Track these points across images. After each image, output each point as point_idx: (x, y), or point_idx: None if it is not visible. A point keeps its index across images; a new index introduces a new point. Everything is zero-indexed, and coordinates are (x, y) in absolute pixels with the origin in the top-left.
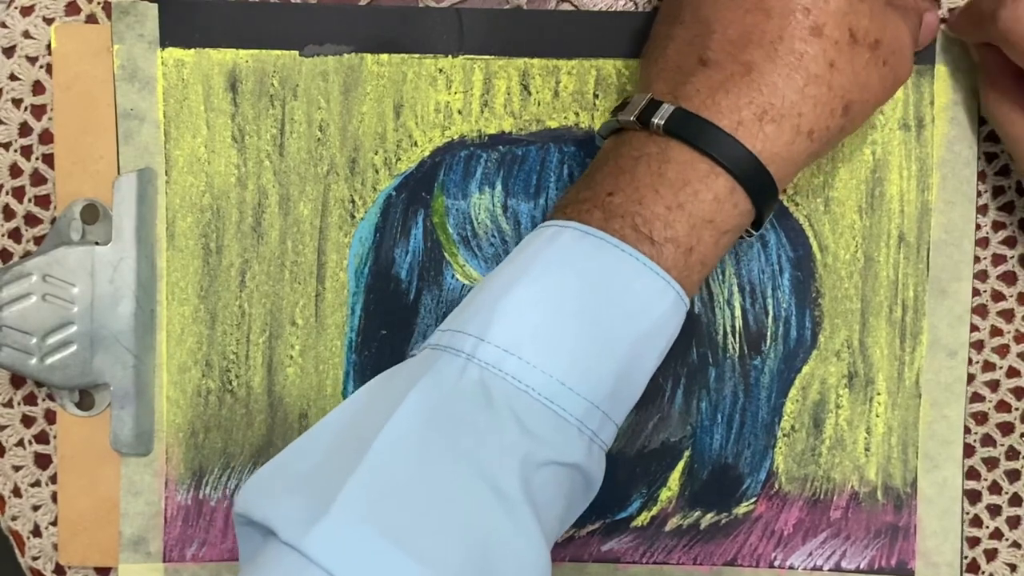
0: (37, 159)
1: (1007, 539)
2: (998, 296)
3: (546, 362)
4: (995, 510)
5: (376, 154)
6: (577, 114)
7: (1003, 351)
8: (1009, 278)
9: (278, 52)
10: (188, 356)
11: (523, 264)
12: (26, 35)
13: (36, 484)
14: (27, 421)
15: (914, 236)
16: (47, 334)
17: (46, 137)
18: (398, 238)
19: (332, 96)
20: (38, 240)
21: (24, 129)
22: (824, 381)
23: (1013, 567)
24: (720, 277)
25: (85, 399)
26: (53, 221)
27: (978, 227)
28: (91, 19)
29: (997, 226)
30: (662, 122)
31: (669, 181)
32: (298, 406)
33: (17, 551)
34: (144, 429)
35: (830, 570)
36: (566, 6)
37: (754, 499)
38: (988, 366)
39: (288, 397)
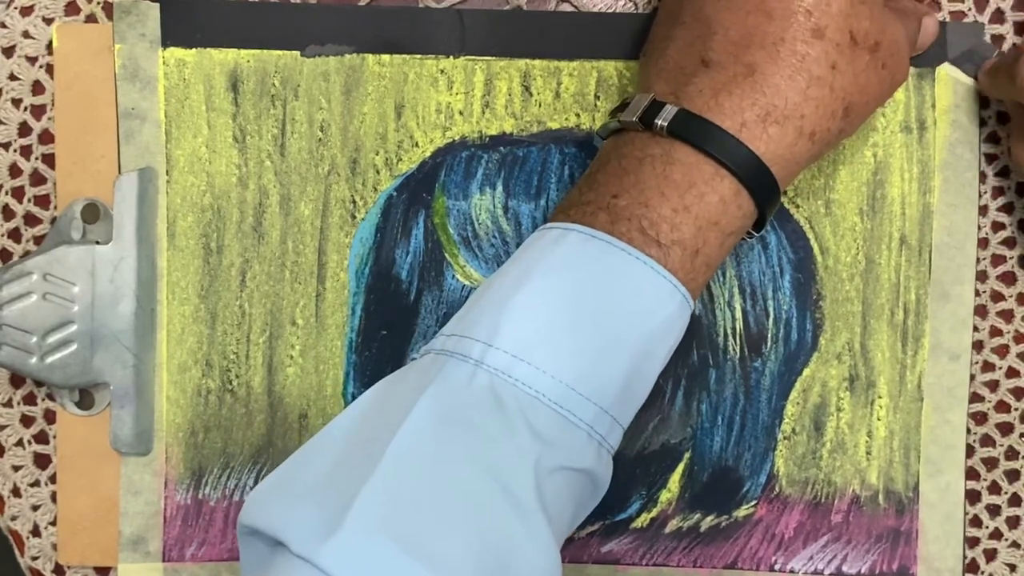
0: (37, 159)
1: (1007, 539)
2: (997, 297)
3: (556, 367)
4: (994, 510)
5: (377, 154)
6: (578, 115)
7: (1003, 351)
8: (1008, 279)
9: (279, 52)
10: (188, 356)
11: (527, 267)
12: (26, 35)
13: (35, 484)
14: (26, 421)
15: (916, 239)
16: (47, 333)
17: (46, 137)
18: (399, 238)
19: (333, 96)
20: (38, 240)
21: (24, 129)
22: (825, 384)
23: (1013, 567)
24: (721, 279)
25: (85, 398)
26: (53, 221)
27: (978, 228)
28: (91, 19)
29: (997, 227)
30: (665, 123)
31: (675, 183)
32: (298, 406)
33: (16, 551)
34: (144, 428)
35: (831, 574)
36: (566, 7)
37: (754, 502)
38: (988, 366)
39: (288, 397)
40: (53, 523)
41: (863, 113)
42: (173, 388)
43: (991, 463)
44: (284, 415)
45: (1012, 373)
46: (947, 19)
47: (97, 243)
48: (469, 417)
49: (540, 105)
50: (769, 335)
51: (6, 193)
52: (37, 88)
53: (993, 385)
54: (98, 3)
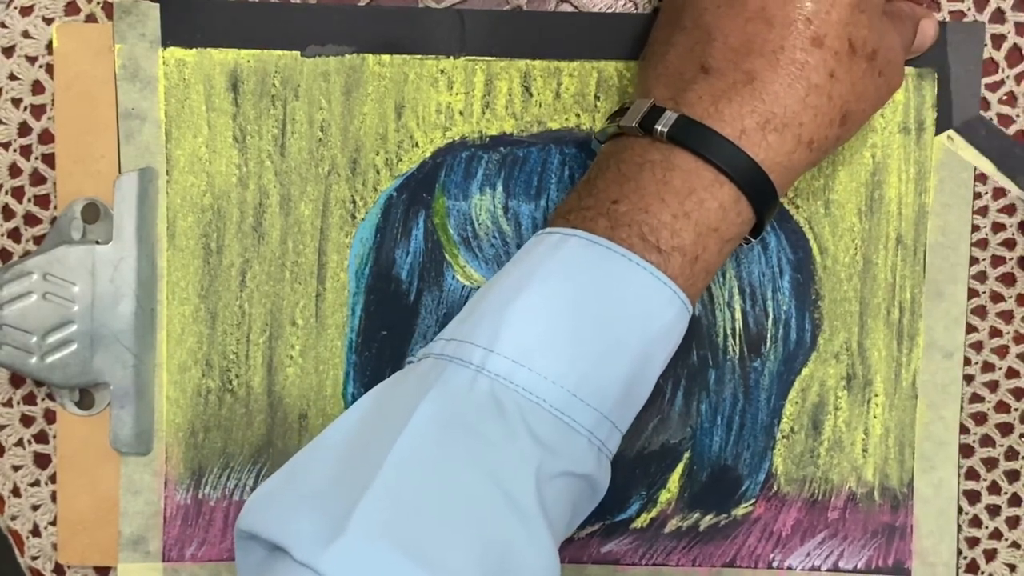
0: (37, 159)
1: (1006, 539)
2: (997, 297)
3: (556, 373)
4: (994, 510)
5: (377, 155)
6: (578, 116)
7: (1002, 352)
8: (1008, 279)
9: (280, 52)
10: (188, 356)
11: (527, 272)
12: (26, 35)
13: (35, 484)
14: (26, 421)
15: (911, 239)
16: (47, 333)
17: (46, 137)
18: (399, 239)
19: (333, 96)
20: (38, 240)
21: (24, 129)
22: (823, 383)
23: (1012, 567)
24: (720, 279)
25: (85, 398)
26: (53, 221)
27: (978, 228)
28: (91, 19)
29: (997, 228)
30: (665, 129)
31: (675, 189)
32: (298, 406)
33: (16, 551)
34: (144, 428)
35: (828, 570)
36: (566, 7)
37: (753, 500)
38: (987, 367)
39: (288, 397)
40: (53, 523)
41: (860, 121)
42: (173, 388)
43: (991, 463)
44: (284, 415)
45: (1012, 374)
46: (947, 19)
47: (97, 243)
48: (470, 423)
49: (540, 105)
50: (768, 335)
51: (6, 193)
52: (37, 88)
53: (993, 385)
54: (98, 3)
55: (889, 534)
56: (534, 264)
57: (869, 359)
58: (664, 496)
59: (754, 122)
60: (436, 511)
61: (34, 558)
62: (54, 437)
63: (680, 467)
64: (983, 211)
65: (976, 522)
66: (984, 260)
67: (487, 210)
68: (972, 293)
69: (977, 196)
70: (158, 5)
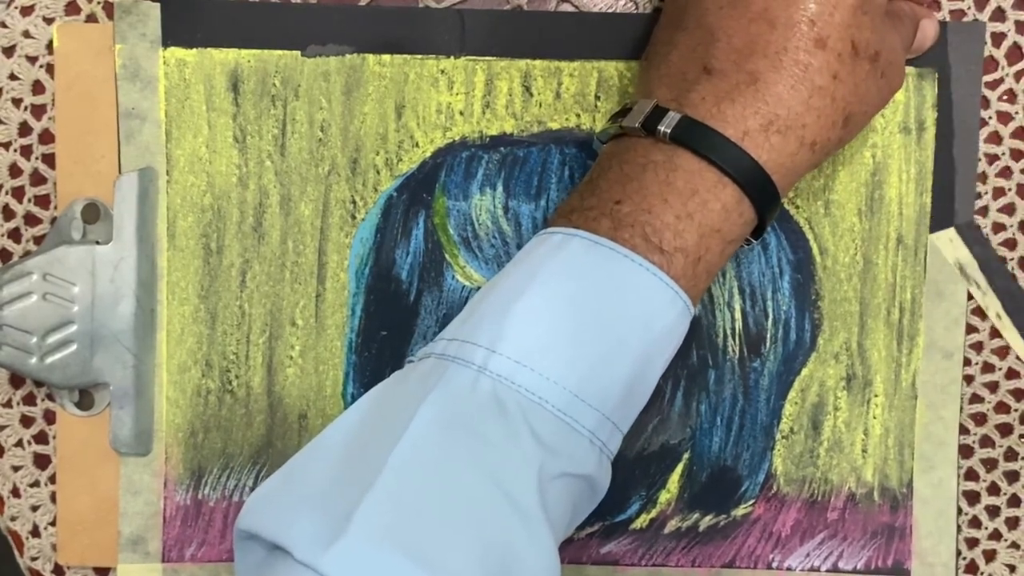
0: (37, 159)
1: (1006, 540)
2: None
3: (559, 374)
4: (994, 511)
5: (377, 155)
6: (579, 115)
7: (1002, 352)
8: None
9: (280, 52)
10: (188, 356)
11: (530, 272)
12: (26, 35)
13: (35, 484)
14: (26, 421)
15: (912, 239)
16: (47, 333)
17: (46, 137)
18: (399, 239)
19: (334, 96)
20: (38, 240)
21: (24, 129)
22: (823, 383)
23: (1012, 568)
24: (720, 280)
25: (85, 399)
26: (53, 221)
27: (978, 228)
28: (91, 19)
29: (997, 228)
30: (668, 130)
31: (678, 190)
32: (298, 407)
33: (16, 551)
34: (143, 429)
35: (827, 571)
36: (567, 7)
37: (752, 501)
38: (987, 367)
39: (288, 398)
40: (53, 523)
41: (861, 122)
42: (173, 388)
43: (990, 464)
44: (284, 415)
45: (1012, 374)
46: (947, 18)
47: (97, 243)
48: (472, 423)
49: (541, 105)
50: (768, 335)
51: (6, 193)
52: (37, 88)
53: (993, 386)
54: (98, 3)
55: (888, 534)
56: (536, 264)
57: (869, 359)
58: (664, 497)
59: (757, 123)
60: (438, 512)
61: (34, 559)
62: (54, 438)
63: (680, 468)
64: (983, 211)
65: (975, 523)
66: None
67: (487, 210)
68: (972, 293)
69: (978, 196)
70: (158, 5)
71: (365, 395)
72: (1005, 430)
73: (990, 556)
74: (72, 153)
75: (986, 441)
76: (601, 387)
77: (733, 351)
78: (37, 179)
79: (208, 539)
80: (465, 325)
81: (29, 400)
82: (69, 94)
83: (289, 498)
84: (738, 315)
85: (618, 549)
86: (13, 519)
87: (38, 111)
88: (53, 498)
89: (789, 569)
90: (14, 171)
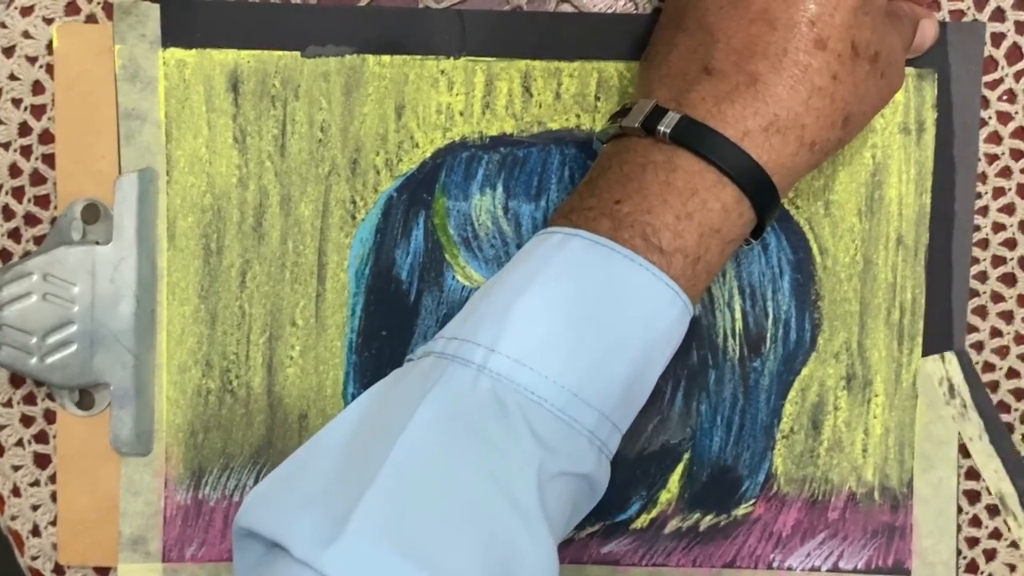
0: (37, 159)
1: (1006, 539)
2: (998, 298)
3: (559, 373)
4: (994, 510)
5: (377, 155)
6: (579, 116)
7: (1003, 352)
8: (1009, 280)
9: (280, 53)
10: (188, 356)
11: (530, 271)
12: (26, 35)
13: (35, 484)
14: (26, 421)
15: (912, 239)
16: (47, 333)
17: (46, 137)
18: (399, 239)
19: (334, 97)
20: (38, 240)
21: (24, 129)
22: (823, 383)
23: (1012, 567)
24: (720, 280)
25: (85, 399)
26: (53, 221)
27: (978, 228)
28: (91, 19)
29: (997, 228)
30: (668, 130)
31: (678, 190)
32: (298, 407)
33: (16, 551)
34: (144, 429)
35: (828, 570)
36: (566, 7)
37: (753, 501)
38: (988, 367)
39: (288, 398)
40: (53, 523)
41: (861, 123)
42: (173, 388)
43: None
44: (284, 416)
45: (1012, 374)
46: (947, 19)
47: (97, 243)
48: (472, 423)
49: (540, 106)
50: (768, 335)
51: (6, 193)
52: (37, 88)
53: (993, 386)
54: (98, 3)
55: (889, 534)
56: (537, 264)
57: (869, 359)
58: (664, 496)
59: (757, 124)
60: (437, 512)
61: (34, 558)
62: (54, 437)
63: (680, 467)
64: (983, 211)
65: (976, 522)
66: (985, 260)
67: (487, 210)
68: (973, 293)
69: (978, 196)
70: (158, 6)
71: (364, 393)
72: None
73: (990, 555)
74: (72, 153)
75: None
76: (601, 386)
77: (733, 351)
78: (37, 179)
79: (208, 539)
80: (465, 324)
81: (29, 400)
82: (69, 94)
83: (288, 496)
84: (738, 315)
85: (619, 549)
86: (13, 518)
87: (38, 111)
88: (53, 497)
89: (790, 569)
90: (14, 171)
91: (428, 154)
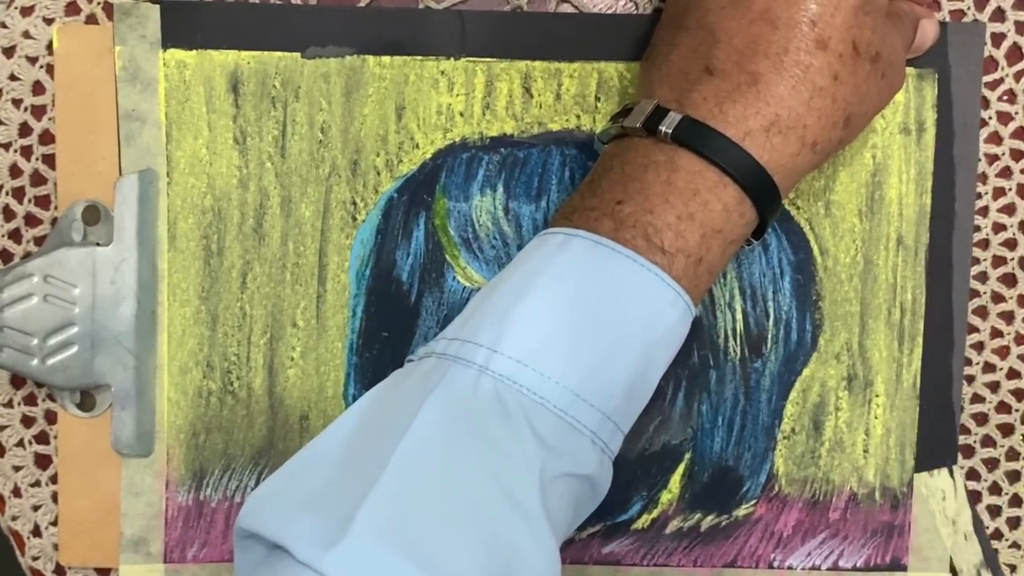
0: (37, 159)
1: (1007, 539)
2: (998, 298)
3: (561, 374)
4: (995, 511)
5: (378, 156)
6: (579, 117)
7: (1003, 352)
8: (1009, 280)
9: (280, 54)
10: (189, 357)
11: (532, 272)
12: (26, 35)
13: (36, 484)
14: (27, 421)
15: (912, 239)
16: (48, 335)
17: (46, 137)
18: (399, 240)
19: (334, 98)
20: (38, 240)
21: (24, 129)
22: (824, 384)
23: (1013, 567)
24: (721, 280)
25: (86, 400)
26: (53, 221)
27: (978, 229)
28: (91, 19)
29: (997, 228)
30: (670, 130)
31: (679, 190)
32: (299, 408)
33: (17, 551)
34: (145, 430)
35: (828, 569)
36: (566, 7)
37: (754, 501)
38: (988, 367)
39: (289, 399)
40: (54, 523)
41: (862, 123)
42: (174, 390)
43: (992, 464)
44: (285, 417)
45: (1013, 374)
46: (947, 19)
47: (98, 245)
48: (474, 424)
49: (541, 107)
50: (769, 336)
51: (6, 193)
52: (37, 88)
53: (994, 386)
54: (98, 3)
55: (888, 532)
56: (538, 264)
57: (870, 360)
58: (665, 497)
59: (758, 124)
60: (440, 514)
61: (35, 558)
62: (55, 438)
63: (681, 468)
64: (984, 211)
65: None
66: (985, 260)
67: (488, 211)
68: (973, 293)
69: (978, 196)
70: (158, 7)
71: (366, 394)
72: (1006, 430)
73: (991, 555)
74: (72, 155)
75: (987, 441)
76: (603, 387)
77: (734, 351)
78: (37, 179)
79: (210, 540)
80: (467, 325)
81: (30, 400)
82: (69, 96)
83: (290, 498)
84: (739, 316)
85: (620, 549)
86: (14, 519)
87: (38, 111)
88: (54, 498)
89: (790, 568)
90: (14, 171)
91: (428, 155)
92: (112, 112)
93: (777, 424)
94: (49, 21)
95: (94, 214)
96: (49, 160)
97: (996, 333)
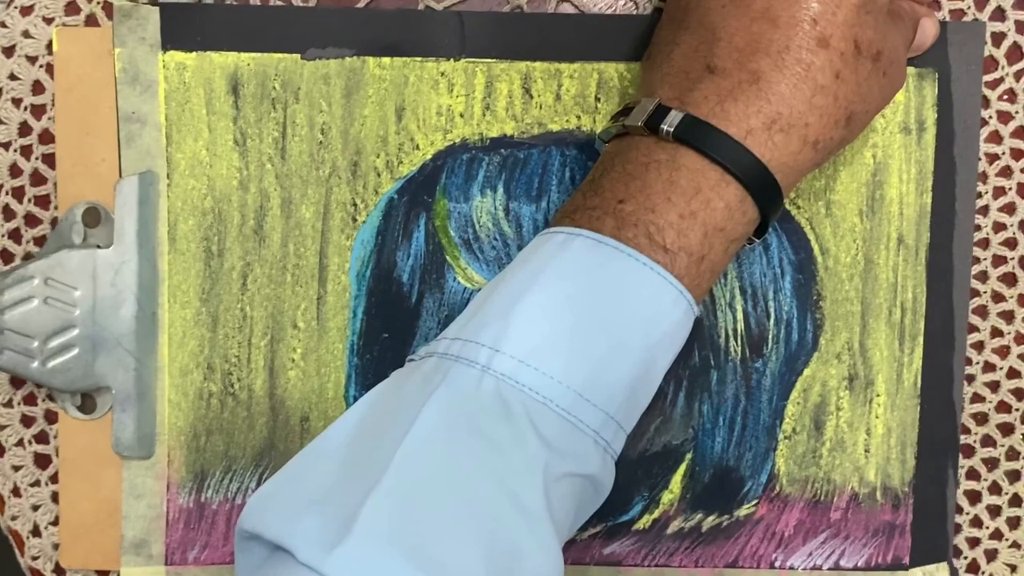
0: (37, 159)
1: (1007, 539)
2: (998, 297)
3: (563, 373)
4: (995, 511)
5: (378, 157)
6: (579, 117)
7: (1003, 352)
8: (1009, 279)
9: (280, 55)
10: (190, 359)
11: (534, 271)
12: (26, 35)
13: (36, 484)
14: (27, 421)
15: (913, 239)
16: (49, 337)
17: (46, 137)
18: (400, 241)
19: (334, 99)
20: (38, 240)
21: (24, 129)
22: (825, 383)
23: (1013, 567)
24: (722, 280)
25: (87, 402)
26: (53, 221)
27: (979, 228)
28: (91, 19)
29: (998, 227)
30: (671, 128)
31: (681, 189)
32: (300, 409)
33: (17, 551)
34: (146, 432)
35: (829, 569)
36: (566, 7)
37: (755, 501)
38: (988, 367)
39: (290, 400)
40: (53, 523)
41: (864, 121)
42: (175, 391)
43: (992, 464)
44: (286, 418)
45: (1013, 374)
46: (947, 18)
47: (98, 247)
48: (477, 424)
49: (541, 107)
50: (770, 336)
51: (6, 193)
52: (37, 88)
53: (994, 386)
54: (98, 3)
55: (889, 532)
56: (540, 263)
57: (871, 359)
58: (666, 497)
59: (760, 122)
60: (443, 515)
61: (34, 558)
62: (54, 437)
63: (682, 468)
64: (984, 210)
65: (976, 522)
66: (985, 260)
67: (488, 212)
68: (973, 293)
69: (978, 196)
70: (158, 9)
71: (366, 394)
72: (1006, 429)
73: (991, 556)
74: (72, 157)
75: (987, 441)
76: (605, 386)
77: (735, 352)
78: (37, 179)
79: (211, 542)
80: (468, 324)
81: (30, 400)
82: (69, 98)
83: (292, 498)
84: (740, 316)
85: (621, 550)
86: (14, 519)
87: (38, 111)
88: (54, 498)
89: (792, 568)
90: (14, 171)
91: (429, 156)
92: (112, 114)
93: (778, 424)
94: (49, 20)
95: (94, 216)
96: (49, 159)
97: (996, 333)
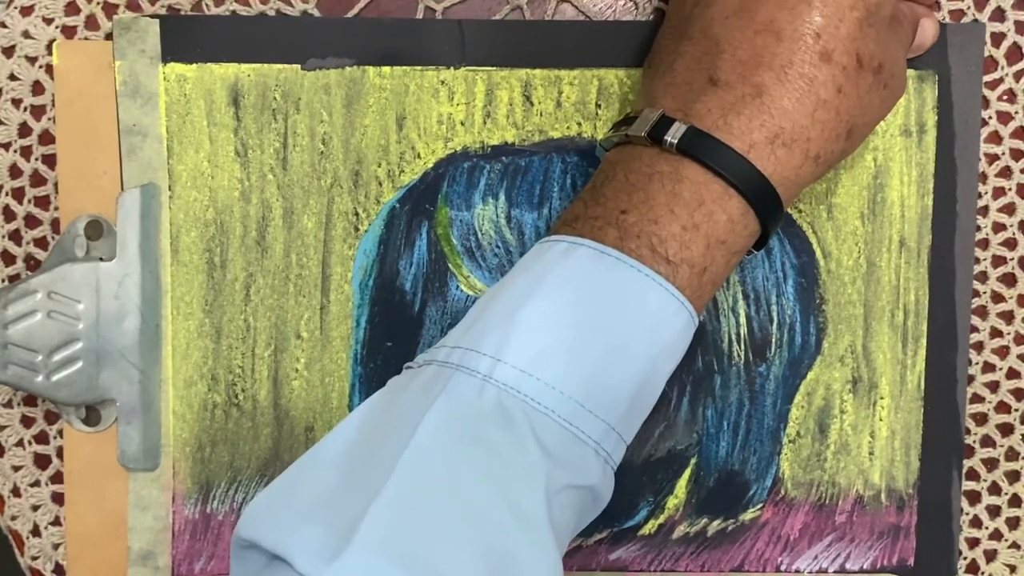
0: (36, 159)
1: (1006, 540)
2: (998, 298)
3: (565, 383)
4: (995, 511)
5: (379, 166)
6: (580, 124)
7: (1003, 352)
8: (1009, 280)
9: (280, 66)
10: (194, 370)
11: (535, 279)
12: (26, 35)
13: (36, 484)
14: (27, 421)
15: (914, 241)
16: (53, 351)
17: (46, 138)
18: (402, 250)
19: (334, 109)
20: (38, 241)
21: (24, 129)
22: (829, 387)
23: (1012, 568)
24: (725, 285)
25: (91, 415)
26: (53, 222)
27: (978, 228)
28: (91, 20)
29: (997, 228)
30: (675, 140)
31: (684, 201)
32: (304, 419)
33: (17, 551)
34: (151, 444)
35: (835, 572)
36: (566, 6)
37: (760, 505)
38: (988, 367)
39: (294, 410)
40: (53, 523)
41: (864, 134)
42: (179, 403)
43: (991, 464)
44: (290, 428)
45: (1012, 374)
46: (947, 19)
47: (101, 260)
48: (478, 433)
49: (541, 114)
50: (773, 340)
51: (6, 194)
52: (37, 88)
53: (993, 386)
54: (98, 3)
55: (894, 534)
56: (542, 272)
57: (874, 362)
58: (672, 502)
59: (763, 136)
60: (443, 526)
61: (34, 558)
62: (54, 438)
63: (687, 473)
64: (984, 211)
65: (976, 523)
66: (985, 260)
67: (490, 220)
68: (973, 293)
69: (978, 196)
70: (157, 21)
71: (365, 401)
72: (1006, 430)
73: (991, 556)
74: (74, 170)
75: (987, 441)
76: (607, 397)
77: (738, 356)
78: (37, 180)
79: (217, 552)
80: (469, 332)
81: (30, 400)
82: (70, 111)
83: (290, 508)
84: (743, 320)
85: (627, 555)
86: (13, 518)
87: (38, 112)
88: (54, 498)
89: (797, 571)
90: (14, 172)
91: (430, 164)
92: (113, 127)
93: (782, 428)
94: (49, 21)
95: (97, 229)
96: (49, 160)
97: (996, 333)
